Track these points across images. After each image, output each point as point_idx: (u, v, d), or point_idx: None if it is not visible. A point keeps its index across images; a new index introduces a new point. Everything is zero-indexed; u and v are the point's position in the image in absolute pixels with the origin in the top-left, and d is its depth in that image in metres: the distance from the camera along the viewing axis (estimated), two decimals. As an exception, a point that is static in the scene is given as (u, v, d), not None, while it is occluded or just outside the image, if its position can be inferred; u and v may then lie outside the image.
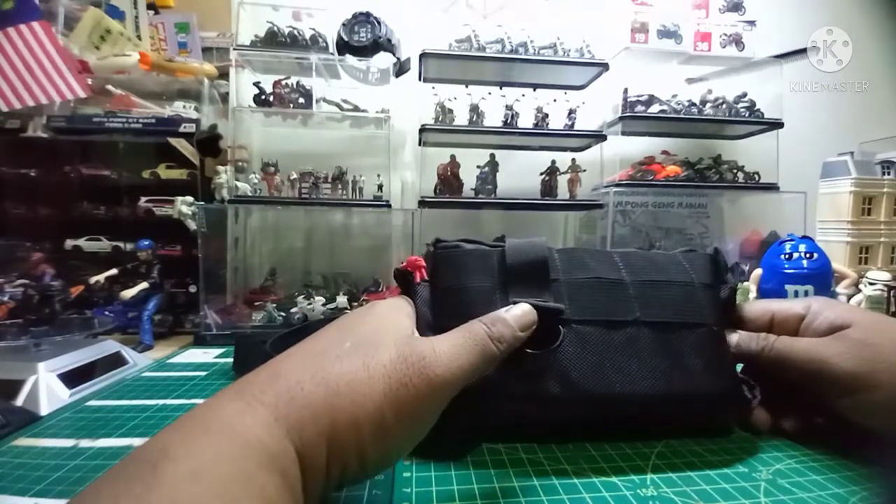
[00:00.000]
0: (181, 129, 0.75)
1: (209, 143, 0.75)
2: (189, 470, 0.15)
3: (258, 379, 0.21)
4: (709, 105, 0.86)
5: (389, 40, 0.77)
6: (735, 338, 0.35)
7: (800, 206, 0.85)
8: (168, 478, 0.15)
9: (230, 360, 0.52)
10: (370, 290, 0.78)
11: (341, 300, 0.72)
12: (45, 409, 0.38)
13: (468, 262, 0.34)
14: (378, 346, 0.23)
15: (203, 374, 0.50)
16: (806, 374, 0.31)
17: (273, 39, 0.77)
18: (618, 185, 0.81)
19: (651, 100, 0.84)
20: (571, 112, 0.82)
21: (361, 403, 0.20)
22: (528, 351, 0.29)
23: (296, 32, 0.77)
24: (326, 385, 0.21)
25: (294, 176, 0.76)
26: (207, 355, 0.58)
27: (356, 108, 0.80)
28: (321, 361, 0.22)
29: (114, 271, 0.69)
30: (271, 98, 0.78)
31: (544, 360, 0.30)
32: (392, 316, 0.27)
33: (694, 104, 0.85)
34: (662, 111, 0.84)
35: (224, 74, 0.83)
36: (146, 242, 0.69)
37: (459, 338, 0.25)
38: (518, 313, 0.27)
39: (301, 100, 0.78)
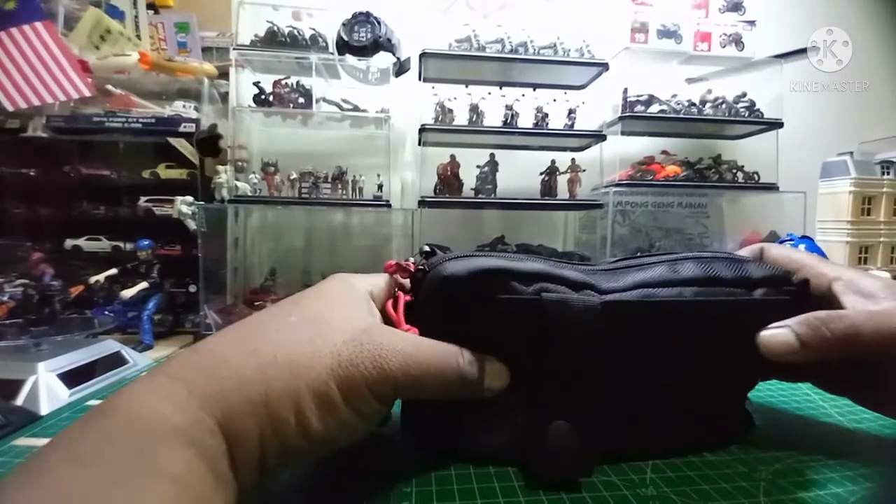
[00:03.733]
0: (181, 129, 0.75)
1: (209, 143, 0.75)
2: (71, 454, 0.15)
3: (178, 357, 0.20)
4: (709, 105, 0.86)
5: (389, 40, 0.77)
6: (789, 336, 0.25)
7: (799, 206, 0.85)
8: (51, 464, 0.14)
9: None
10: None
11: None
12: (45, 409, 0.38)
13: (490, 328, 0.24)
14: (331, 327, 0.21)
15: (203, 373, 0.50)
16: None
17: (273, 39, 0.77)
18: (618, 185, 0.81)
19: (651, 100, 0.84)
20: (571, 112, 0.82)
21: (304, 374, 0.19)
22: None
23: (296, 32, 0.77)
24: (260, 356, 0.19)
25: (294, 176, 0.76)
26: (207, 355, 0.58)
27: (356, 108, 0.80)
28: (258, 334, 0.21)
29: (114, 271, 0.69)
30: (271, 98, 0.78)
31: None
32: (348, 297, 0.25)
33: (694, 104, 0.85)
34: (662, 111, 0.84)
35: (224, 74, 0.83)
36: (146, 242, 0.69)
37: (428, 350, 0.23)
38: (495, 370, 0.24)
39: (301, 100, 0.78)
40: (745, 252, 0.32)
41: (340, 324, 0.22)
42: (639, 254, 0.32)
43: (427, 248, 0.28)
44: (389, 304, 0.26)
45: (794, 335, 0.25)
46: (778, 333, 0.26)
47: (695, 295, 0.26)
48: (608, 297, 0.26)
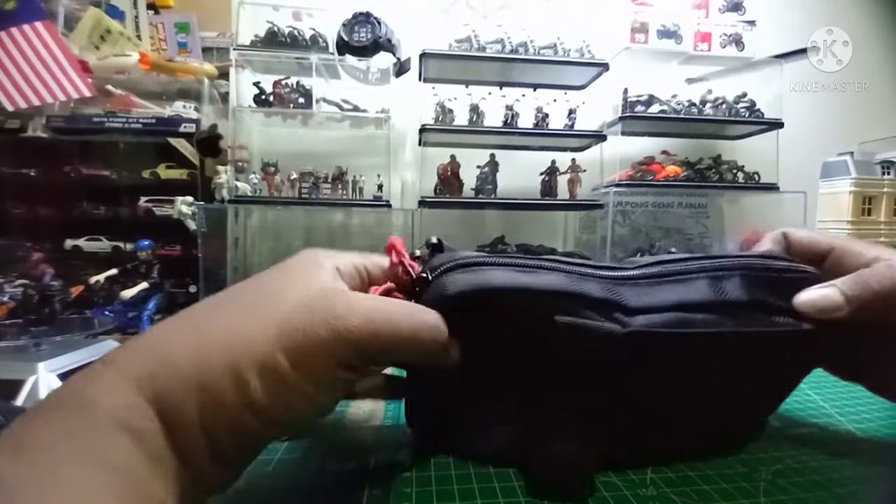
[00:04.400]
0: (181, 129, 0.75)
1: (209, 143, 0.75)
2: (13, 446, 0.15)
3: (120, 346, 0.20)
4: (709, 105, 0.86)
5: (389, 40, 0.77)
6: (834, 294, 0.25)
7: (800, 206, 0.85)
8: None
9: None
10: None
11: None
12: (45, 409, 0.38)
13: (494, 336, 0.23)
14: (280, 297, 0.20)
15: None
16: None
17: (273, 39, 0.77)
18: (618, 185, 0.81)
19: (651, 100, 0.84)
20: (571, 112, 0.82)
21: (245, 349, 0.18)
22: None
23: (296, 32, 0.77)
24: (198, 336, 0.18)
25: (294, 176, 0.76)
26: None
27: (356, 108, 0.80)
28: (205, 314, 0.20)
29: (114, 271, 0.69)
30: (271, 98, 0.78)
31: None
32: (308, 268, 0.23)
33: (694, 104, 0.85)
34: (662, 111, 0.84)
35: (224, 74, 0.83)
36: (146, 242, 0.69)
37: (397, 304, 0.21)
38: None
39: (301, 100, 0.78)
40: (766, 241, 0.29)
41: (292, 292, 0.21)
42: (672, 254, 0.29)
43: (434, 241, 0.26)
44: (375, 291, 0.24)
45: (838, 291, 0.24)
46: (824, 293, 0.25)
47: (738, 325, 0.23)
48: (636, 321, 0.23)
